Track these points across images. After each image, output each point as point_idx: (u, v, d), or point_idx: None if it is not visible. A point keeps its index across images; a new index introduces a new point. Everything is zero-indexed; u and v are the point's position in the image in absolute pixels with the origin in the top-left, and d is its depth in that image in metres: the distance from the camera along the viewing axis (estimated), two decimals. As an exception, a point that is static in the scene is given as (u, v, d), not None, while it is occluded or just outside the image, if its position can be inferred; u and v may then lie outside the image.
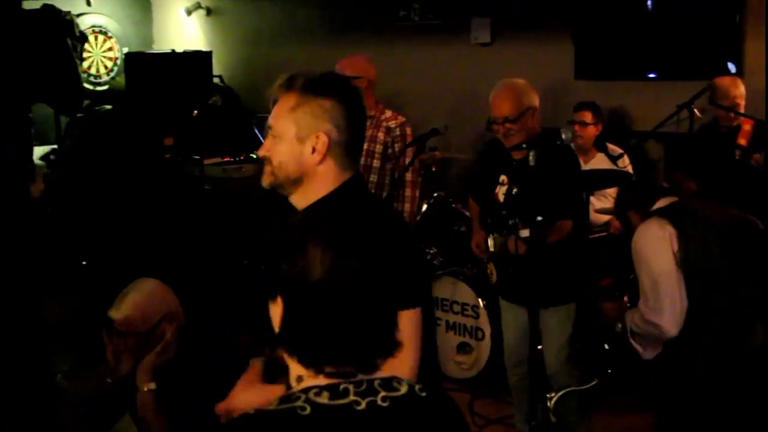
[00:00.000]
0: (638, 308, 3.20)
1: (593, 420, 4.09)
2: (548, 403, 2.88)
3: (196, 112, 6.16)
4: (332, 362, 1.49)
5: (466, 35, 7.11)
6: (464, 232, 5.60)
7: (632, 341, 3.23)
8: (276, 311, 1.53)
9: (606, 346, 3.31)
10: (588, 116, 5.55)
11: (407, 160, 4.63)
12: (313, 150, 2.16)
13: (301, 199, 2.22)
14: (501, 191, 3.97)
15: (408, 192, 4.78)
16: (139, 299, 2.95)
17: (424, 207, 5.64)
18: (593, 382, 2.93)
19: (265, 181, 2.23)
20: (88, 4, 8.67)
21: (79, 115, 7.56)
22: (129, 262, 5.80)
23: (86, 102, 7.83)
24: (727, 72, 5.66)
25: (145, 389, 2.84)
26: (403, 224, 2.60)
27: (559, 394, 2.91)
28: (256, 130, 7.11)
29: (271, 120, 2.21)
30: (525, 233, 3.66)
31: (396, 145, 4.76)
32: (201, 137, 6.46)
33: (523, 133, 3.85)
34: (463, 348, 5.14)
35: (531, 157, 3.49)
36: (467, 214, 5.65)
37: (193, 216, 6.43)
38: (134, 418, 2.96)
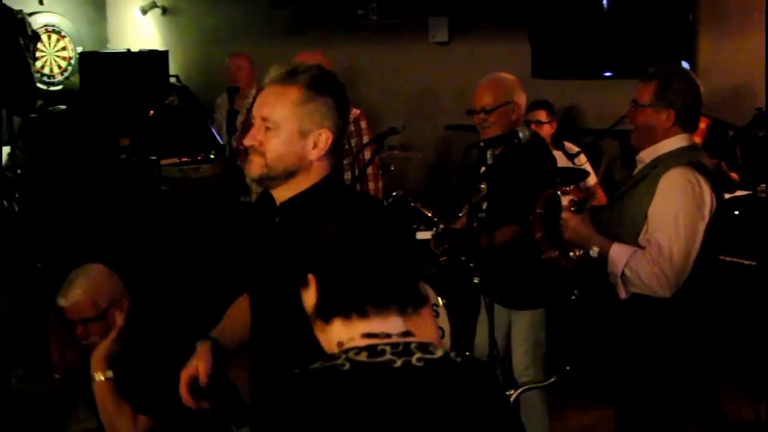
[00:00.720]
0: (645, 256, 3.02)
1: (552, 417, 4.11)
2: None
3: (152, 112, 6.11)
4: (372, 301, 1.60)
5: (423, 34, 7.12)
6: (423, 231, 5.60)
7: (618, 279, 3.07)
8: (308, 294, 1.64)
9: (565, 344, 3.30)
10: (543, 115, 5.58)
11: (367, 155, 4.62)
12: (314, 146, 2.20)
13: (286, 191, 2.25)
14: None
15: (371, 186, 4.77)
16: (87, 285, 2.93)
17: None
18: (552, 379, 2.92)
19: (255, 171, 2.22)
20: (41, 2, 8.54)
21: (32, 115, 7.45)
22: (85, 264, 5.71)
23: (40, 102, 7.70)
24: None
25: (102, 378, 2.80)
26: (387, 209, 2.62)
27: (518, 391, 2.91)
28: (214, 130, 7.05)
29: (265, 110, 2.20)
30: (423, 235, 3.67)
31: (353, 140, 4.73)
32: (158, 137, 6.40)
33: (498, 126, 3.84)
34: (422, 347, 5.14)
35: (488, 157, 3.50)
36: (426, 213, 5.66)
37: (150, 217, 6.36)
38: (89, 406, 2.93)
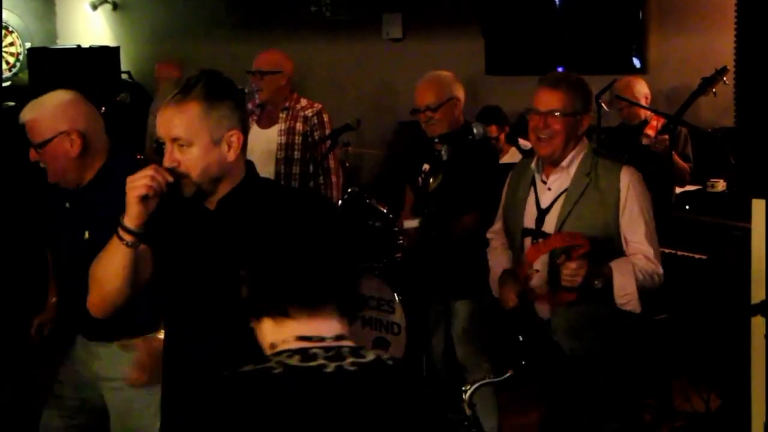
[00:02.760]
0: (649, 262, 3.06)
1: (505, 412, 4.14)
2: (463, 396, 2.88)
3: (103, 109, 6.03)
4: (300, 302, 1.59)
5: (377, 31, 7.13)
6: (379, 227, 5.61)
7: (635, 296, 3.04)
8: (243, 290, 1.63)
9: (520, 338, 3.30)
10: (493, 130, 5.53)
11: (324, 149, 4.64)
12: (229, 148, 2.30)
13: (220, 193, 2.34)
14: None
15: (333, 179, 4.77)
16: (48, 105, 2.93)
17: (339, 202, 5.63)
18: (507, 374, 2.93)
19: (188, 191, 2.29)
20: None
21: (-20, 112, 7.32)
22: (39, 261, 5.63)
23: (-13, 99, 7.59)
24: (632, 66, 5.81)
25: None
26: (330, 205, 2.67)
27: (474, 386, 2.91)
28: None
29: (173, 132, 2.26)
30: (412, 224, 3.71)
31: (315, 134, 4.74)
32: (109, 134, 6.32)
33: (444, 122, 3.94)
34: (379, 343, 5.15)
35: (443, 152, 3.53)
36: (381, 209, 5.67)
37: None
38: None
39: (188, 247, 2.37)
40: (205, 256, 2.34)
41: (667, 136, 4.79)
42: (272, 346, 1.60)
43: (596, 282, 3.01)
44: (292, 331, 1.59)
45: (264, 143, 4.66)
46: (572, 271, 2.98)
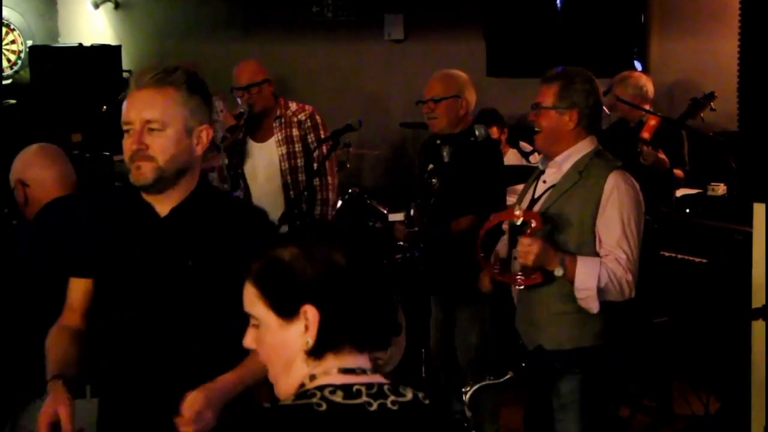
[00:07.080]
0: (619, 265, 3.00)
1: (503, 412, 4.15)
2: (464, 397, 2.88)
3: (105, 107, 6.04)
4: (376, 336, 1.59)
5: (379, 32, 7.13)
6: (379, 228, 5.61)
7: (594, 293, 2.99)
8: (291, 329, 1.54)
9: (520, 341, 3.30)
10: (494, 131, 5.53)
11: (325, 150, 4.63)
12: (198, 142, 2.25)
13: (174, 194, 2.26)
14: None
15: (329, 180, 4.75)
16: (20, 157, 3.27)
17: (339, 203, 5.63)
18: (507, 376, 2.93)
19: (150, 176, 2.21)
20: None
21: (-19, 110, 7.31)
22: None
23: (-11, 97, 7.58)
24: (634, 69, 5.81)
25: None
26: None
27: (474, 387, 2.91)
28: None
29: (147, 113, 2.20)
30: (397, 217, 3.72)
31: (310, 136, 4.73)
32: (111, 133, 6.32)
33: (444, 119, 3.98)
34: (378, 343, 5.15)
35: (445, 154, 3.54)
36: (382, 210, 5.67)
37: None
38: None
39: (139, 258, 2.28)
40: (158, 263, 2.26)
41: (660, 156, 4.73)
42: (311, 377, 1.53)
43: (557, 268, 2.97)
44: (334, 363, 1.54)
45: (266, 157, 4.65)
46: (525, 247, 2.96)
